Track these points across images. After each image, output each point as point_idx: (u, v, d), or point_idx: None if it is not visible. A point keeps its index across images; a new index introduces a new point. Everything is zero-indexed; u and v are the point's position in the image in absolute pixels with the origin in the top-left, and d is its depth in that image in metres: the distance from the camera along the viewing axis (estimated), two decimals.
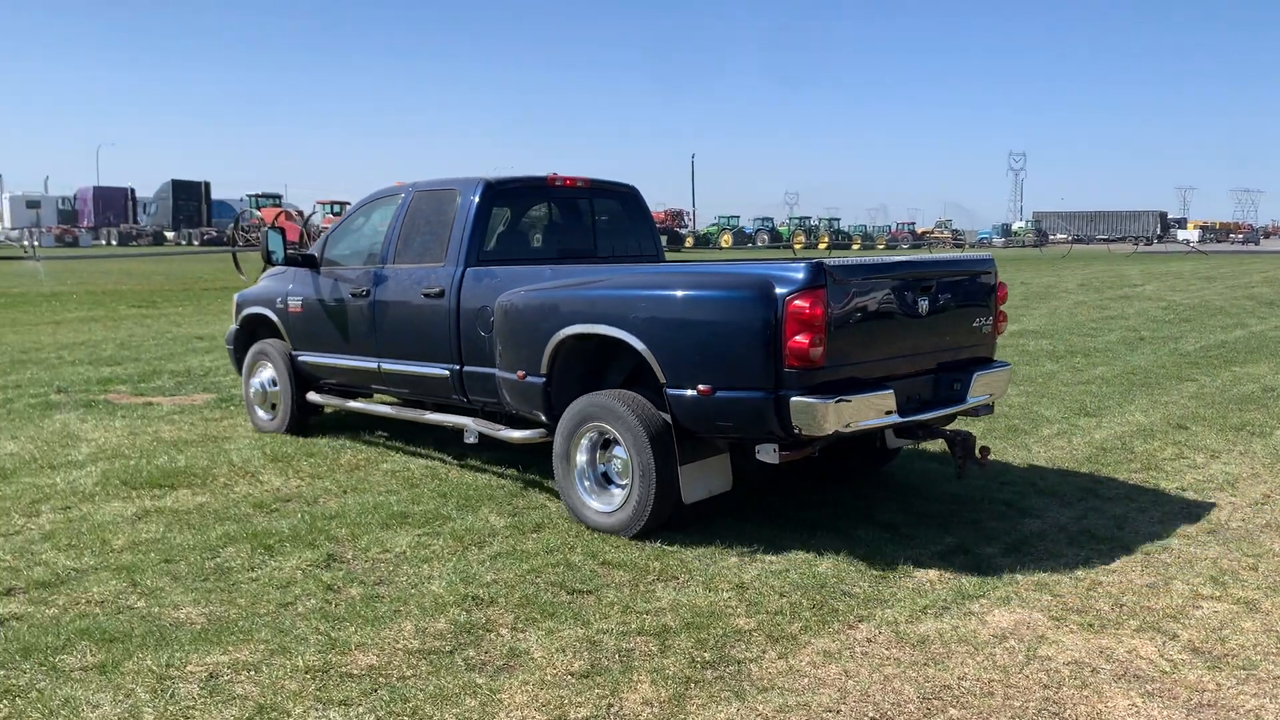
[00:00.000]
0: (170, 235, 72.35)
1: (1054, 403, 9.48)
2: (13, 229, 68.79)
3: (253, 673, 3.88)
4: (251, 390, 8.35)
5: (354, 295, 7.24)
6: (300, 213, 38.65)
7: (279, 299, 8.04)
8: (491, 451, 7.28)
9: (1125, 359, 12.49)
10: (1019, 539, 5.51)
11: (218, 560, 5.16)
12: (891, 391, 5.12)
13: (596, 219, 7.57)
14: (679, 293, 5.24)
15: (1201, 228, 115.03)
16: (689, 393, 5.12)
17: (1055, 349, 13.46)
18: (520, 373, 5.95)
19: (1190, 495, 6.38)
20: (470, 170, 8.30)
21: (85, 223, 75.50)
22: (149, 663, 3.94)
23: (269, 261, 7.75)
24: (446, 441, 7.74)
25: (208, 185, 77.55)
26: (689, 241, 75.93)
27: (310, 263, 7.73)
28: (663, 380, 5.22)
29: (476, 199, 6.61)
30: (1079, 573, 4.98)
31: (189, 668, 3.91)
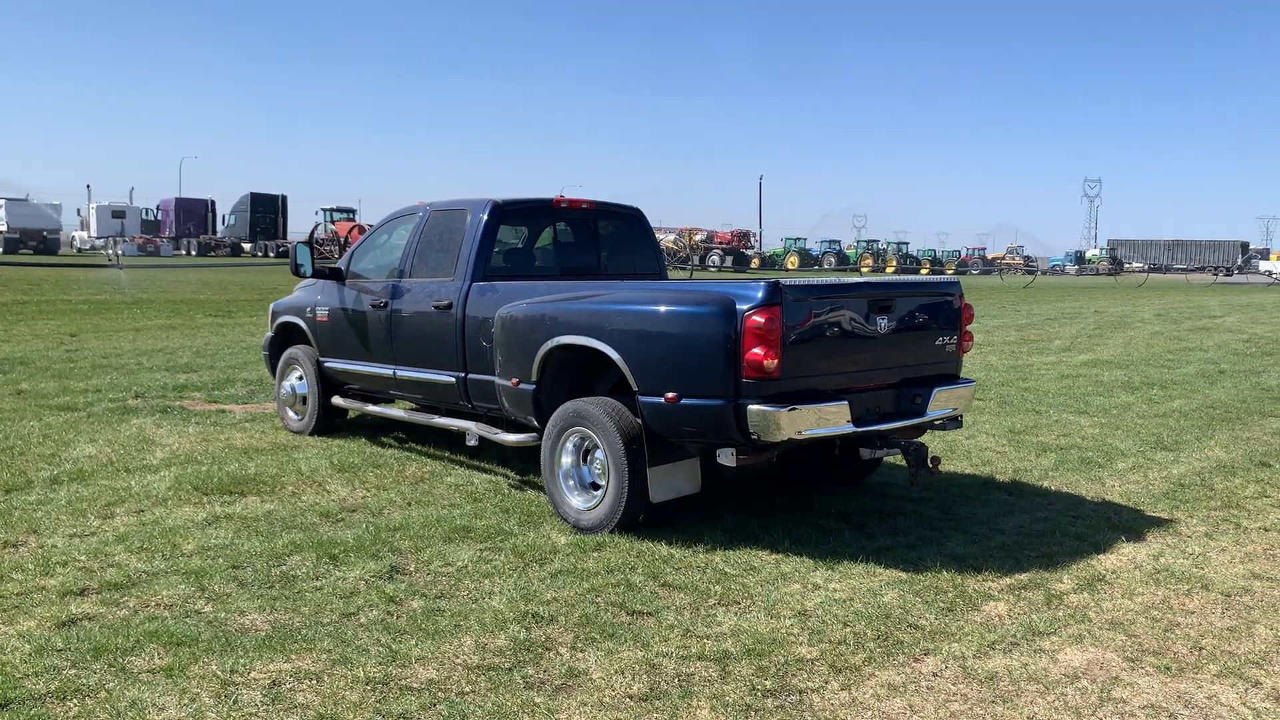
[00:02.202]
0: (247, 247, 74.14)
1: (1129, 435, 9.22)
2: (99, 238, 71.05)
3: (314, 682, 3.91)
4: (283, 392, 8.87)
5: (374, 306, 7.77)
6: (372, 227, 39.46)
7: (309, 308, 8.62)
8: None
9: (1204, 392, 12.12)
10: (1093, 575, 5.35)
11: (283, 568, 5.22)
12: (846, 403, 5.51)
13: (600, 239, 8.03)
14: (651, 308, 5.71)
15: None
16: (658, 399, 5.55)
17: (1131, 380, 13.12)
18: (515, 380, 6.43)
19: (1274, 535, 6.14)
20: (528, 189, 8.76)
21: (167, 233, 77.75)
22: (214, 668, 3.99)
23: (297, 274, 8.31)
24: (510, 458, 7.77)
25: (284, 198, 79.35)
26: (755, 263, 75.63)
27: (337, 275, 8.30)
28: (635, 388, 5.67)
29: (484, 218, 7.15)
30: (1155, 613, 4.82)
31: (252, 674, 3.96)
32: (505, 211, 7.31)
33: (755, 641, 4.38)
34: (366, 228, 38.80)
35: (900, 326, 5.99)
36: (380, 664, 4.07)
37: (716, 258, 71.86)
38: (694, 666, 4.12)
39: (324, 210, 63.23)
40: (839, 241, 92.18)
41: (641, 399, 5.64)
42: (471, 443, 6.99)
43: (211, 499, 6.52)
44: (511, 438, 6.68)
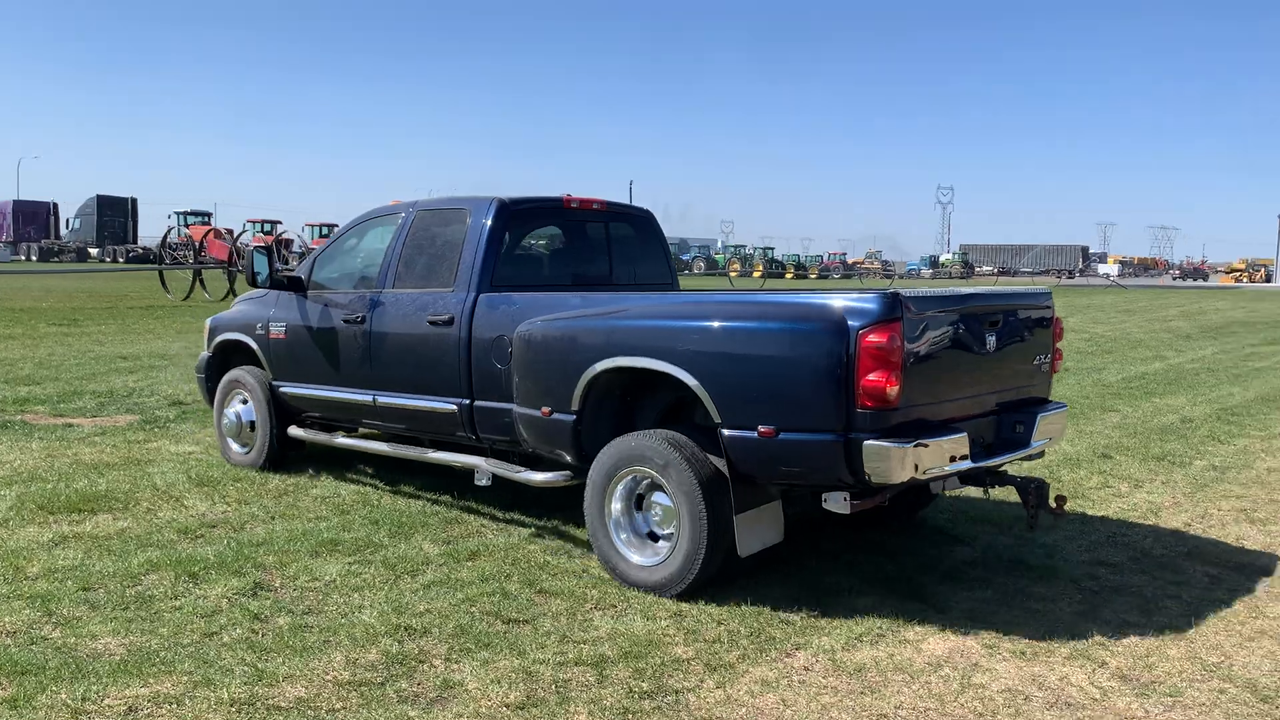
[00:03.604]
0: (94, 252, 70.46)
1: None
2: None
3: (175, 706, 3.74)
4: (225, 422, 7.72)
5: (346, 322, 6.71)
6: (230, 231, 37.82)
7: (259, 324, 7.48)
8: (425, 477, 7.14)
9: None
10: (952, 567, 5.57)
11: (139, 588, 4.98)
12: (965, 434, 4.80)
13: (612, 243, 7.12)
14: (739, 324, 4.80)
15: (1121, 262, 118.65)
16: (748, 434, 4.68)
17: None
18: (545, 409, 5.45)
19: (1115, 524, 6.52)
20: (395, 190, 8.24)
21: (4, 237, 73.25)
22: (64, 696, 3.77)
23: (253, 283, 7.17)
24: (379, 467, 7.61)
25: (134, 201, 75.78)
26: None
27: (296, 286, 7.18)
28: (717, 420, 4.77)
29: (490, 220, 6.16)
30: (1011, 601, 5.05)
31: (106, 701, 3.76)
32: (514, 212, 6.31)
33: (632, 644, 4.40)
34: (223, 232, 37.28)
35: (1004, 343, 5.27)
36: (245, 684, 3.93)
37: None
38: (571, 672, 4.12)
39: (177, 214, 60.58)
40: (709, 246, 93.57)
41: (726, 433, 4.76)
42: (483, 482, 6.07)
43: (59, 518, 6.16)
44: (539, 476, 5.76)
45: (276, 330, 7.32)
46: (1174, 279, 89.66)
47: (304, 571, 5.27)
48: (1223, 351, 18.68)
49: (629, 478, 5.15)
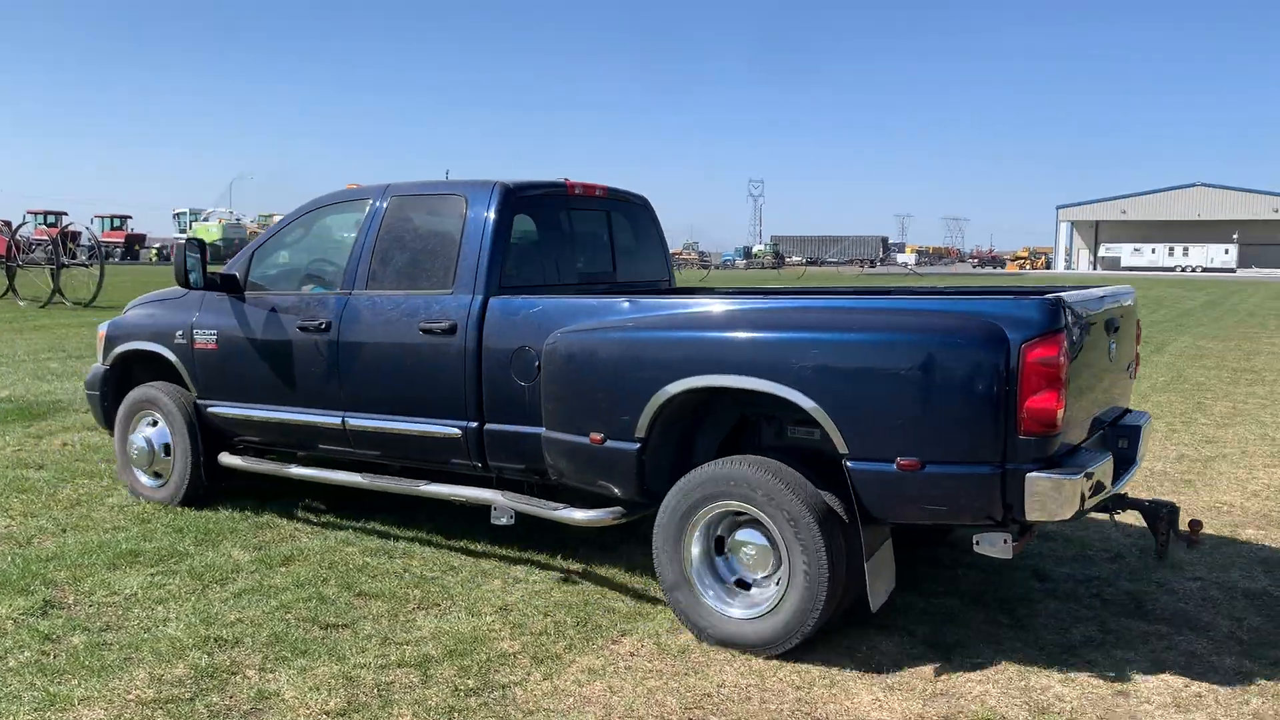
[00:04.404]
0: None
1: None
2: None
3: None
4: (133, 449, 6.49)
5: (304, 330, 5.64)
6: (8, 224, 34.77)
7: (179, 332, 6.26)
8: (230, 481, 6.51)
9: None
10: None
11: None
12: (1111, 457, 4.30)
13: (614, 235, 6.31)
14: (868, 337, 4.10)
15: (918, 252, 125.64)
16: (883, 467, 4.01)
17: None
18: (596, 435, 4.64)
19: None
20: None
21: None
22: None
23: (185, 283, 5.98)
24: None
25: None
26: None
27: (232, 286, 6.04)
28: (844, 450, 4.09)
29: (494, 209, 5.27)
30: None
31: None
32: (518, 199, 5.43)
33: (457, 642, 4.34)
34: (4, 224, 34.12)
35: (1118, 349, 4.81)
36: (36, 709, 3.64)
37: None
38: (394, 675, 4.02)
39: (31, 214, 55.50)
40: None
41: (854, 466, 4.08)
42: (503, 521, 5.10)
43: None
44: (582, 514, 4.86)
45: (204, 339, 6.14)
46: (974, 267, 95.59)
47: (101, 586, 4.93)
48: None
49: (712, 515, 4.39)
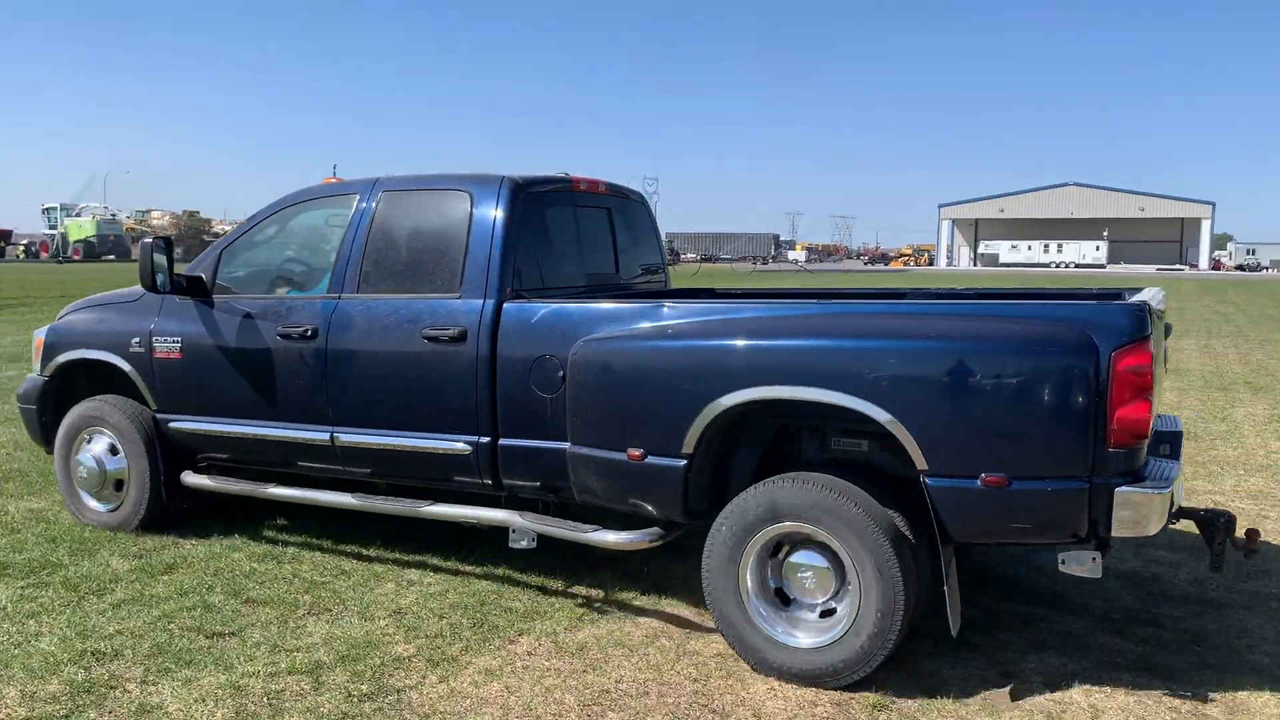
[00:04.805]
0: None
1: None
2: None
3: None
4: (80, 470, 5.86)
5: (285, 337, 5.19)
6: None
7: (135, 340, 5.69)
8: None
9: None
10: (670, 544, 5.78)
11: None
12: (1180, 466, 4.21)
13: (616, 234, 5.96)
14: (951, 345, 3.85)
15: (807, 249, 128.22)
16: (968, 484, 3.78)
17: None
18: (635, 451, 4.32)
19: None
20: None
21: None
22: None
23: (153, 287, 5.45)
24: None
25: None
26: None
27: (198, 289, 5.53)
28: (923, 467, 3.83)
29: (503, 205, 4.91)
30: None
31: None
32: (528, 195, 5.06)
33: (349, 647, 4.25)
34: None
35: (1168, 354, 4.60)
36: None
37: None
38: (284, 682, 3.92)
39: None
40: None
41: (933, 483, 3.82)
42: (523, 544, 4.72)
43: None
44: (614, 536, 4.50)
45: (165, 348, 5.60)
46: (865, 264, 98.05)
47: None
48: None
49: (770, 537, 4.10)
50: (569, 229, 5.58)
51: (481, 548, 5.55)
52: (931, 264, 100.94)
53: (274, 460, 5.54)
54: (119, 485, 5.81)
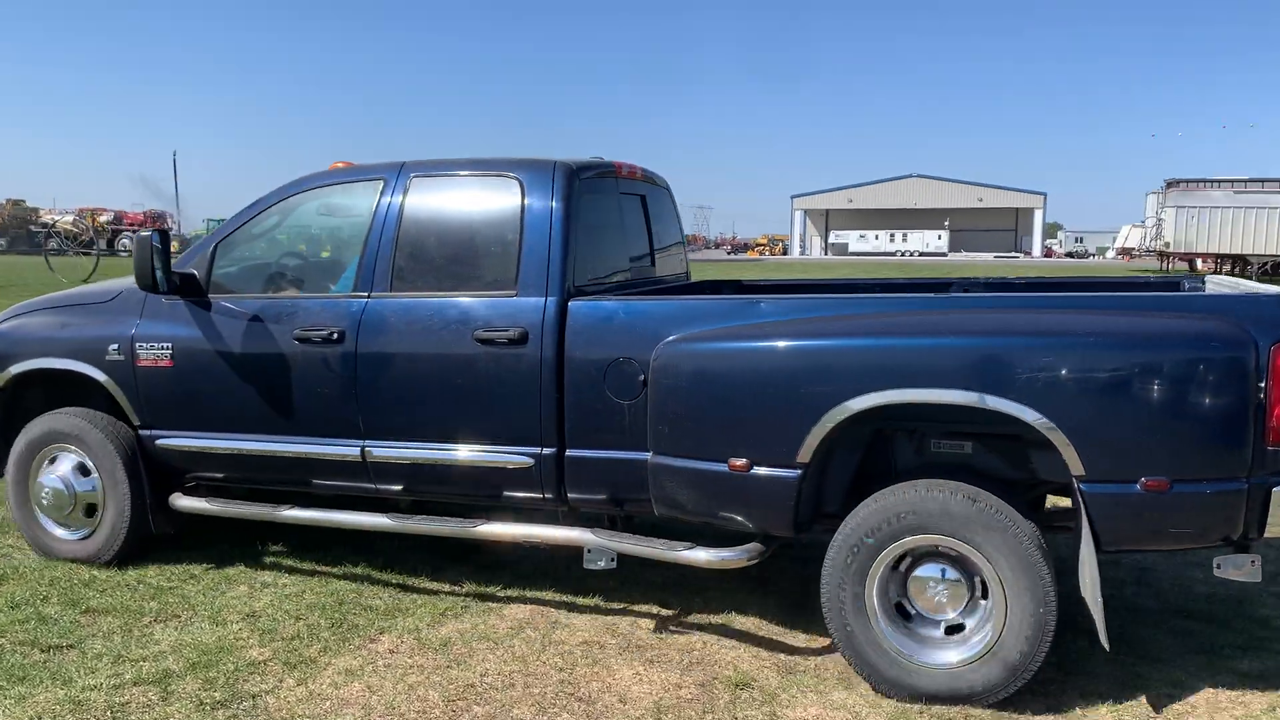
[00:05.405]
0: None
1: None
2: None
3: None
4: (44, 495, 5.15)
5: (304, 341, 4.66)
6: None
7: (113, 347, 5.00)
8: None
9: None
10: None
11: None
12: None
13: (650, 223, 5.56)
14: (1108, 342, 3.64)
15: None
16: (1128, 489, 3.59)
17: None
18: (739, 461, 3.98)
19: None
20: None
21: None
22: None
23: (153, 287, 4.84)
24: None
25: None
26: (175, 245, 69.75)
27: (193, 288, 4.92)
28: (1079, 471, 3.62)
29: (560, 194, 4.50)
30: (573, 562, 5.30)
31: None
32: (583, 182, 4.66)
33: (200, 654, 4.09)
34: None
35: None
36: None
37: (128, 240, 65.23)
38: (130, 694, 3.74)
39: None
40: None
41: (1089, 488, 3.62)
42: (601, 564, 4.35)
43: None
44: (708, 554, 4.14)
45: (152, 355, 4.94)
46: (728, 254, 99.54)
47: None
48: None
49: (901, 550, 3.84)
50: (614, 218, 5.18)
51: (338, 547, 5.41)
52: (785, 253, 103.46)
53: (284, 479, 4.95)
54: (90, 511, 5.13)
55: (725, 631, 4.43)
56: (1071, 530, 3.95)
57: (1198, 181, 37.09)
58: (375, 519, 4.76)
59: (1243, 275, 35.75)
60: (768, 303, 4.14)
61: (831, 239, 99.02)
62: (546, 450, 4.38)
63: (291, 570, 5.09)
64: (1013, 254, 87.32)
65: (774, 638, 4.34)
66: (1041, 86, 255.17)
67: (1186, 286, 4.75)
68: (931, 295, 4.48)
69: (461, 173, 4.78)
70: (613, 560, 4.34)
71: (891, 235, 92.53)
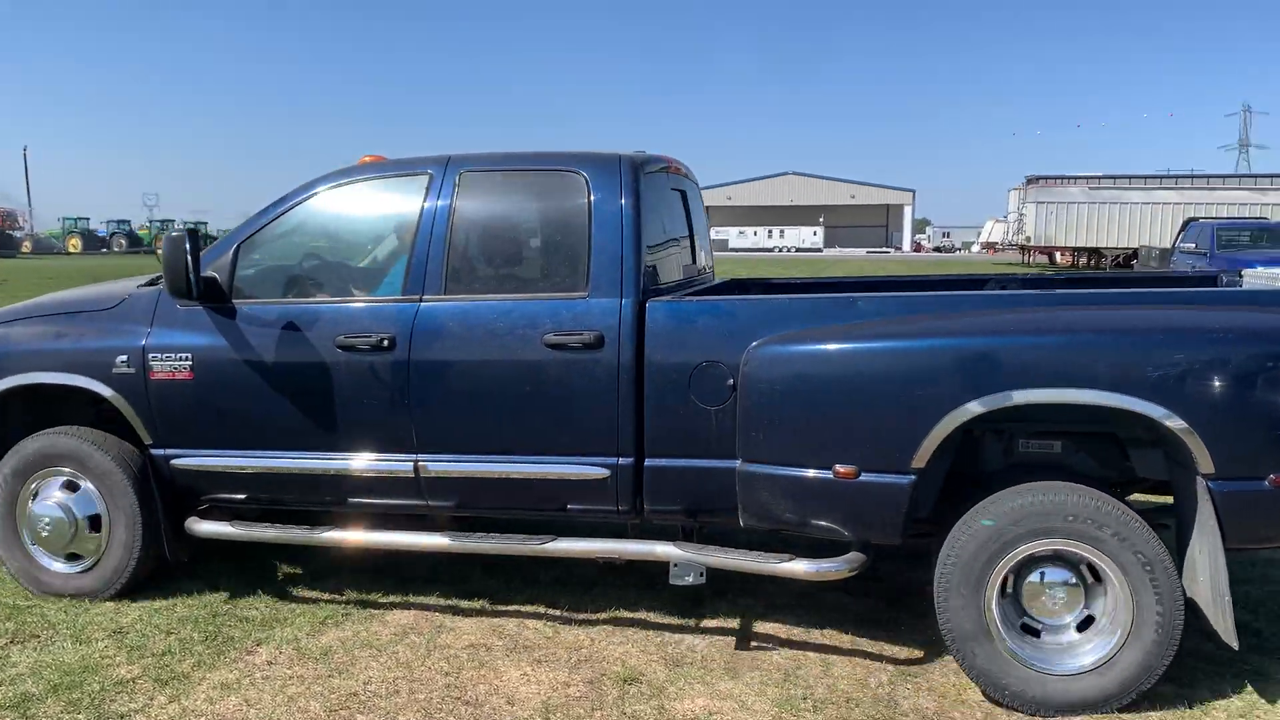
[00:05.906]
0: None
1: None
2: None
3: None
4: (40, 524, 4.66)
5: (349, 349, 4.30)
6: None
7: (122, 358, 4.53)
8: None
9: None
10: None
11: None
12: None
13: (692, 219, 5.36)
14: (1233, 339, 3.59)
15: None
16: (1257, 487, 3.57)
17: None
18: (845, 468, 3.80)
19: None
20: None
21: None
22: None
23: (187, 294, 4.36)
24: None
25: None
26: (27, 246, 66.24)
27: (214, 293, 4.48)
28: (1209, 469, 3.57)
29: (628, 189, 4.28)
30: (459, 569, 5.26)
31: None
32: (648, 178, 4.47)
33: (62, 675, 3.88)
34: None
35: None
36: None
37: None
38: None
39: None
40: (129, 221, 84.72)
41: (1219, 486, 3.57)
42: (688, 580, 4.11)
43: None
44: (807, 566, 3.98)
45: (169, 367, 4.50)
46: None
47: None
48: None
49: (1023, 556, 3.71)
50: (671, 215, 5.00)
51: (210, 558, 5.22)
52: None
53: (317, 498, 4.57)
54: (93, 544, 4.67)
55: (614, 626, 4.44)
56: (1168, 528, 3.96)
57: (1056, 178, 38.79)
58: (433, 539, 4.43)
59: (1097, 267, 37.67)
60: (865, 301, 3.98)
61: (713, 235, 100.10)
62: (624, 460, 4.15)
63: (160, 584, 4.87)
64: (884, 249, 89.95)
65: (662, 631, 4.37)
66: (908, 86, 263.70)
67: (1225, 281, 4.88)
68: (1034, 292, 4.45)
69: (517, 168, 4.54)
70: (702, 575, 4.13)
71: (770, 232, 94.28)
